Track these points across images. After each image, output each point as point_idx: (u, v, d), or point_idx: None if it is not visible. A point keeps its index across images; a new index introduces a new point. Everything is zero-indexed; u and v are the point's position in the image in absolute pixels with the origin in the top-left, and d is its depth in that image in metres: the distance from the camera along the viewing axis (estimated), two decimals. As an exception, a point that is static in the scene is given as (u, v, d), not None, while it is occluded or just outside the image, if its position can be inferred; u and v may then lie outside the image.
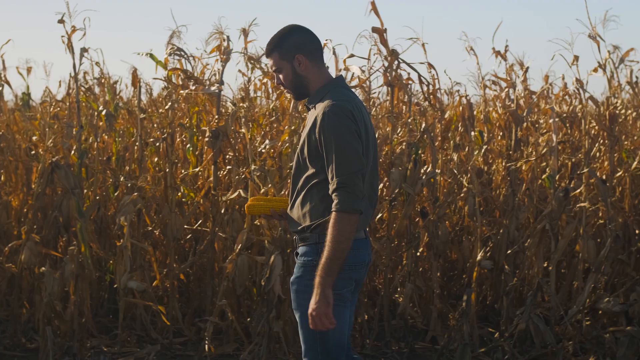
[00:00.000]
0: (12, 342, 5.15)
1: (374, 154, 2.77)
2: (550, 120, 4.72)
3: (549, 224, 4.54)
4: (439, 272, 5.43)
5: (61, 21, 4.77)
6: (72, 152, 4.84)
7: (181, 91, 5.36)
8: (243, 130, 4.80)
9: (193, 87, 5.28)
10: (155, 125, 6.21)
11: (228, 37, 5.48)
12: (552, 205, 4.56)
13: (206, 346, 4.56)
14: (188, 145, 5.57)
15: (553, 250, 4.63)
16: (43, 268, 4.66)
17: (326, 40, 5.59)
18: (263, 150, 4.96)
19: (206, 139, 5.19)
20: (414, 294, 5.38)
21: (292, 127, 4.69)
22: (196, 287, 5.56)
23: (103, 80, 6.59)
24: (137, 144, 5.26)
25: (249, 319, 4.98)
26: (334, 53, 5.53)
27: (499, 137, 6.32)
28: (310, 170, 2.69)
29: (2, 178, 5.27)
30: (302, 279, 2.72)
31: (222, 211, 5.10)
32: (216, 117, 5.20)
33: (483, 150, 5.80)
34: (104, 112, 5.46)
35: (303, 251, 2.73)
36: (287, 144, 4.67)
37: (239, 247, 4.53)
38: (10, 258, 5.16)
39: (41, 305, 4.61)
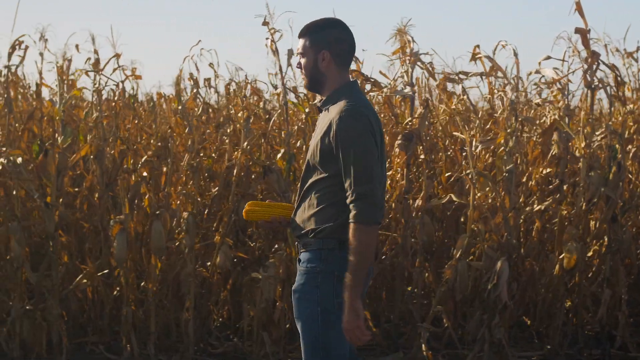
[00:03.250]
0: (197, 347, 5.08)
1: (384, 162, 2.72)
2: None
3: None
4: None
5: (265, 23, 4.70)
6: (279, 155, 4.76)
7: (370, 93, 5.28)
8: (459, 133, 4.71)
9: (386, 90, 5.21)
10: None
11: (413, 38, 5.42)
12: None
13: (424, 352, 4.48)
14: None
15: None
16: (256, 274, 4.59)
17: (502, 42, 5.51)
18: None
19: (398, 142, 5.12)
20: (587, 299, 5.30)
21: (508, 130, 4.60)
22: (372, 291, 5.48)
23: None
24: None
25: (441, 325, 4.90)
26: (515, 54, 5.46)
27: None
28: (321, 175, 2.62)
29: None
30: (304, 286, 2.64)
31: (414, 215, 5.03)
32: (409, 119, 5.12)
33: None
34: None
35: (306, 257, 2.65)
36: (502, 147, 4.58)
37: (459, 252, 4.45)
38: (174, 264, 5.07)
39: (257, 310, 4.54)
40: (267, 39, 4.74)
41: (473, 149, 4.56)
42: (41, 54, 5.80)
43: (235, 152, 5.05)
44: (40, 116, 6.17)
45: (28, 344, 4.81)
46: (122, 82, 5.83)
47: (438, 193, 5.42)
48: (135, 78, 6.06)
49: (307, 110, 4.91)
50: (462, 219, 5.47)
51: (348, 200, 2.53)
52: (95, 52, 5.87)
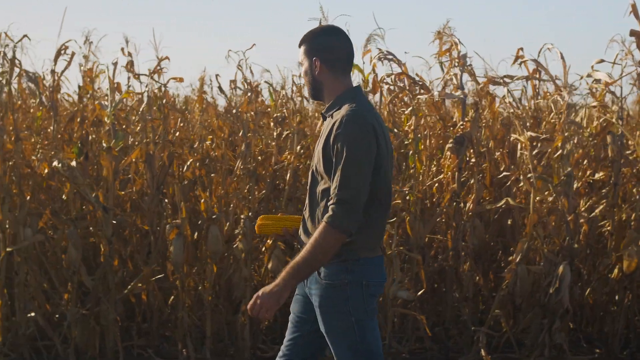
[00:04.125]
0: (251, 353, 5.06)
1: (391, 167, 2.68)
2: None
3: None
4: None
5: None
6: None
7: (419, 96, 5.27)
8: (517, 135, 4.70)
9: (436, 93, 5.20)
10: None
11: (459, 40, 5.41)
12: None
13: (483, 357, 4.47)
14: (411, 152, 5.47)
15: None
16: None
17: (548, 45, 5.49)
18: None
19: (449, 145, 5.11)
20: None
21: (566, 134, 4.59)
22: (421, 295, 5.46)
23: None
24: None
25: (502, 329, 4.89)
26: (562, 57, 5.45)
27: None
28: (328, 182, 2.57)
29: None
30: (332, 300, 2.60)
31: (465, 219, 5.02)
32: (461, 123, 5.11)
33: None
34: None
35: (329, 271, 2.58)
36: (560, 151, 4.57)
37: (519, 256, 4.44)
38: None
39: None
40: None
41: (530, 152, 4.53)
42: (86, 57, 5.81)
43: (288, 155, 5.03)
44: (81, 119, 6.17)
45: (81, 348, 4.80)
46: (165, 84, 5.83)
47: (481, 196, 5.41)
48: (179, 81, 6.06)
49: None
50: (509, 222, 5.47)
51: (329, 202, 2.50)
52: (129, 54, 5.89)
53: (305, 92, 2.80)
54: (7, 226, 4.57)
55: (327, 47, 2.67)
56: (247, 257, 4.71)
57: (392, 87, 5.60)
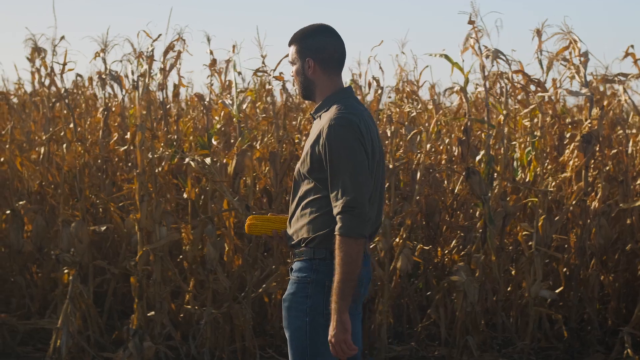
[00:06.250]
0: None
1: (382, 171, 2.63)
2: None
3: None
4: None
5: (471, 22, 4.65)
6: (478, 158, 4.70)
7: (539, 94, 5.23)
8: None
9: (553, 91, 5.17)
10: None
11: (579, 37, 5.36)
12: None
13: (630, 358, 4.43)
14: (529, 149, 5.44)
15: None
16: (455, 277, 4.52)
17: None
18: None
19: (576, 143, 5.07)
20: None
21: None
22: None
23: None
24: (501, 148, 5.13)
25: None
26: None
27: None
28: (311, 184, 2.57)
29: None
30: (294, 296, 2.59)
31: (591, 218, 4.98)
32: (588, 121, 5.07)
33: None
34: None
35: (298, 267, 2.61)
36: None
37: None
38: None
39: (461, 314, 4.47)
40: (471, 37, 4.68)
41: None
42: (179, 53, 5.77)
43: (418, 155, 4.98)
44: (177, 117, 6.12)
45: (211, 349, 4.74)
46: (264, 75, 5.77)
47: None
48: (278, 79, 6.02)
49: (504, 112, 4.84)
50: (627, 221, 5.43)
51: (334, 212, 2.47)
52: (211, 52, 5.85)
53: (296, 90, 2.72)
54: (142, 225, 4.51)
55: (321, 47, 2.64)
56: (386, 256, 4.66)
57: (507, 86, 5.56)
